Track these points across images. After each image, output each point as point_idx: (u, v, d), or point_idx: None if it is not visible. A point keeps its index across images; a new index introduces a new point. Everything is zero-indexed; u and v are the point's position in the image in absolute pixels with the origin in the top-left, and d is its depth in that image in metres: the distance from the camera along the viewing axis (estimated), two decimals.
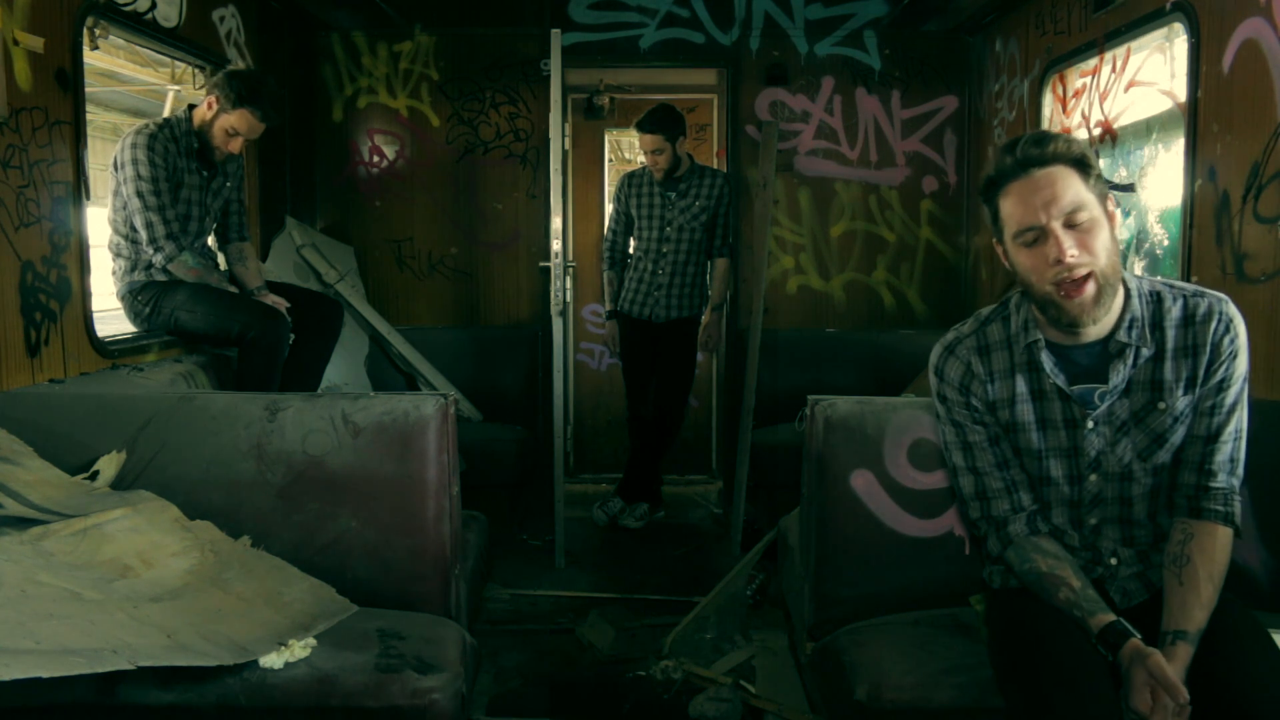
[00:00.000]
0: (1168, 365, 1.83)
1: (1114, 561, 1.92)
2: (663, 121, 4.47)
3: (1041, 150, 1.75)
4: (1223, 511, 1.83)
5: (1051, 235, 1.73)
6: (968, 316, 2.09)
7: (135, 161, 3.22)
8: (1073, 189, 1.73)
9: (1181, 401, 1.84)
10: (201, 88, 3.99)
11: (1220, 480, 1.84)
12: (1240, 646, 1.73)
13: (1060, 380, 1.87)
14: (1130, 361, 1.84)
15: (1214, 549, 1.80)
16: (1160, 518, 1.92)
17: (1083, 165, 1.75)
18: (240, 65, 3.39)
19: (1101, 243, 1.74)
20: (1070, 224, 1.73)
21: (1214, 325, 1.82)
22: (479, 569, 2.86)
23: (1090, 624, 1.76)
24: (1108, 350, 1.85)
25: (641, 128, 4.49)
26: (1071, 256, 1.72)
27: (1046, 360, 1.88)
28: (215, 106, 3.35)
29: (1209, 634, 1.73)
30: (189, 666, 1.77)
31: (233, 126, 3.36)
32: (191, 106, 3.43)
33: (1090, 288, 1.75)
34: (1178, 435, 1.86)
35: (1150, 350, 1.84)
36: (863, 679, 2.05)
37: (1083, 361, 1.87)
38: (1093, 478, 1.90)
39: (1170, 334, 1.83)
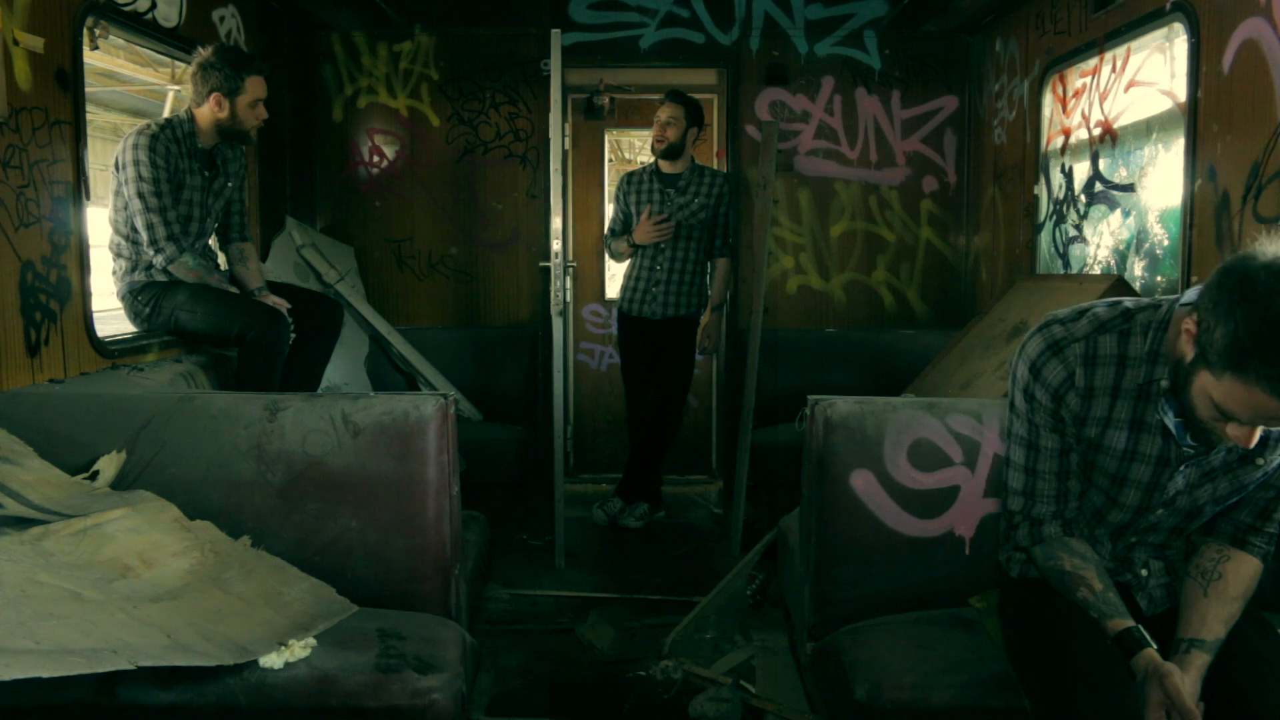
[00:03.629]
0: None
1: (1144, 573, 1.93)
2: (687, 98, 4.53)
3: None
4: (1264, 550, 1.85)
5: (1248, 431, 1.59)
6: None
7: (137, 162, 3.22)
8: None
9: (1277, 459, 1.79)
10: None
11: (1274, 527, 1.86)
12: (1258, 655, 1.73)
13: (1169, 420, 1.72)
14: None
15: (1247, 575, 1.82)
16: (1194, 537, 1.93)
17: None
18: (201, 55, 3.35)
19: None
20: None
21: None
22: (479, 569, 2.86)
23: (1105, 626, 1.75)
24: None
25: (667, 96, 4.53)
26: (1244, 445, 1.61)
27: (1163, 399, 1.73)
28: (225, 99, 3.33)
29: (1228, 640, 1.74)
30: (189, 666, 1.77)
31: (253, 98, 3.37)
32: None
33: None
34: (1255, 485, 1.84)
35: None
36: (863, 679, 2.05)
37: None
38: (1160, 511, 1.87)
39: None
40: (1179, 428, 1.72)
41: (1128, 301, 1.82)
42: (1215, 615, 1.75)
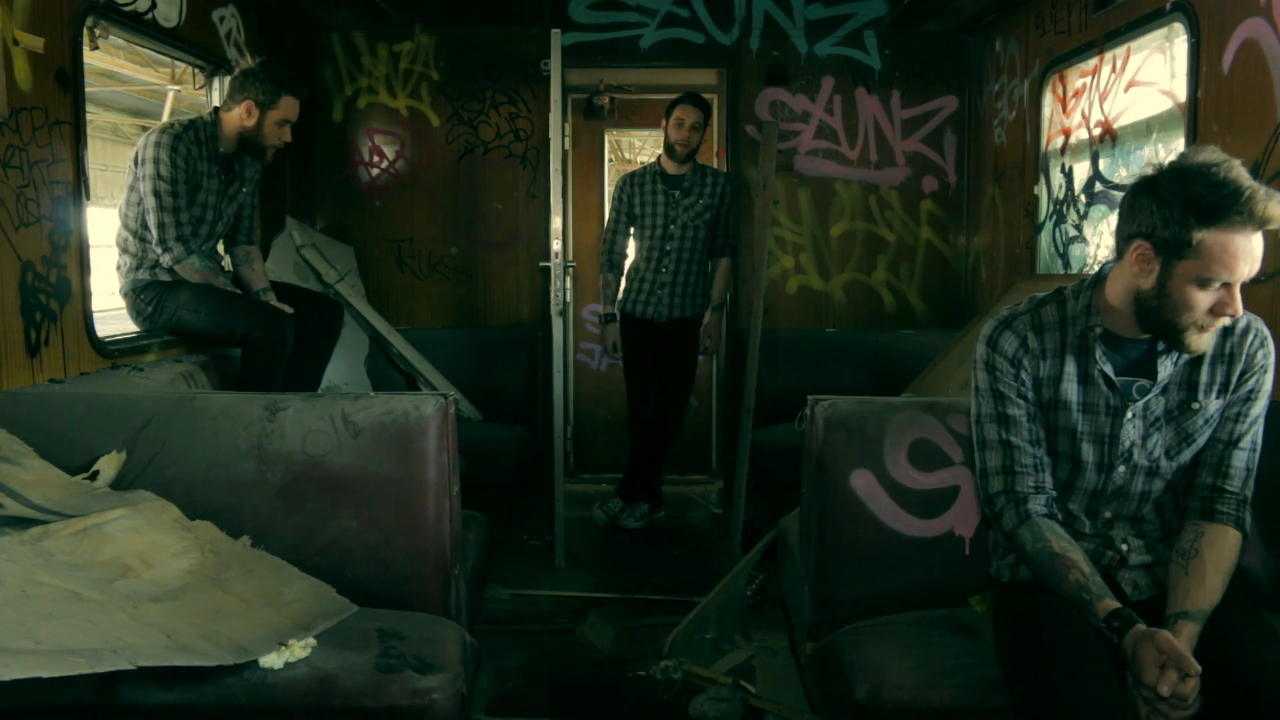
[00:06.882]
0: (1204, 369, 1.92)
1: (1125, 547, 1.98)
2: (705, 101, 4.58)
3: (1274, 215, 1.71)
4: (1234, 515, 1.91)
5: (1233, 292, 1.78)
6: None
7: (157, 160, 3.23)
8: (1261, 255, 1.77)
9: (1213, 405, 1.93)
10: (202, 88, 4.00)
11: (1234, 485, 1.93)
12: (1246, 634, 1.78)
13: (1108, 368, 1.92)
14: (1174, 360, 1.92)
15: (1224, 547, 1.87)
16: (1168, 513, 2.00)
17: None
18: (245, 64, 3.42)
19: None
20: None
21: (1251, 338, 1.93)
22: (479, 569, 2.86)
23: (1097, 607, 1.78)
24: (1154, 348, 1.92)
25: (690, 99, 4.52)
26: (1237, 314, 1.79)
27: (1098, 347, 1.93)
28: (256, 109, 3.36)
29: (1215, 623, 1.78)
30: (189, 666, 1.77)
31: (283, 117, 3.41)
32: (216, 109, 3.44)
33: (1217, 331, 1.86)
34: (1203, 437, 1.96)
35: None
36: (863, 679, 2.05)
37: (1130, 355, 1.94)
38: (1121, 469, 1.96)
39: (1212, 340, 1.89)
40: (1104, 356, 1.91)
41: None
42: (1197, 588, 1.81)
